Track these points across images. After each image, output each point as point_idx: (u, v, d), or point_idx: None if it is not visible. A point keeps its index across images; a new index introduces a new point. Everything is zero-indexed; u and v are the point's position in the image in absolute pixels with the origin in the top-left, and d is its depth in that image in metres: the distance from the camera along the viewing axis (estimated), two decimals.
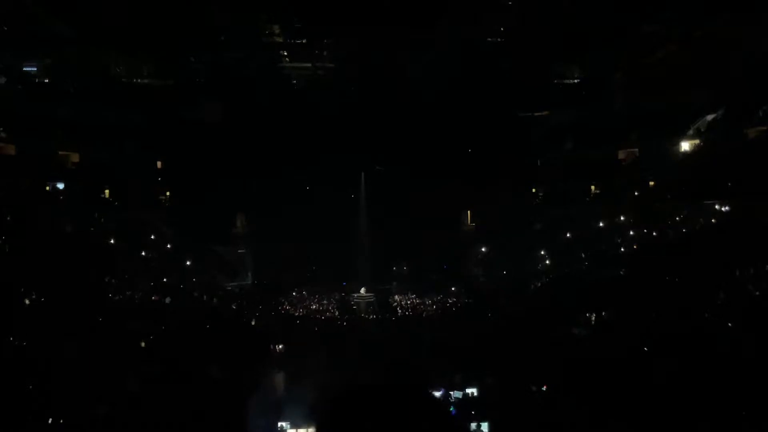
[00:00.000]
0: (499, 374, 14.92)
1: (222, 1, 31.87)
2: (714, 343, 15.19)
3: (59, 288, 24.48)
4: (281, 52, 39.09)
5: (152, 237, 41.96)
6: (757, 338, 14.16)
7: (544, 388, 13.54)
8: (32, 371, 13.10)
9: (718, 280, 20.74)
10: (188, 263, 42.24)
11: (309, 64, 40.64)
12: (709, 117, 36.38)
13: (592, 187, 44.89)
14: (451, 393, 13.84)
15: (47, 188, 39.28)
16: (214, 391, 13.25)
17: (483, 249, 50.13)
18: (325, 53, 39.66)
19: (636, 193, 39.51)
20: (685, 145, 37.74)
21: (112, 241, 36.61)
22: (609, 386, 12.82)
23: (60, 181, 40.18)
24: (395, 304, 41.69)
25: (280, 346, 20.31)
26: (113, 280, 29.68)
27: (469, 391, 13.90)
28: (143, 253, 38.25)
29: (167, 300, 29.49)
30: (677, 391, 12.01)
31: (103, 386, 12.58)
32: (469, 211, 55.28)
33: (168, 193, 47.54)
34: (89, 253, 33.62)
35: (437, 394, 13.79)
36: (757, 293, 19.22)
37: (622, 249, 33.92)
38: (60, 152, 40.75)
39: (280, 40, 37.46)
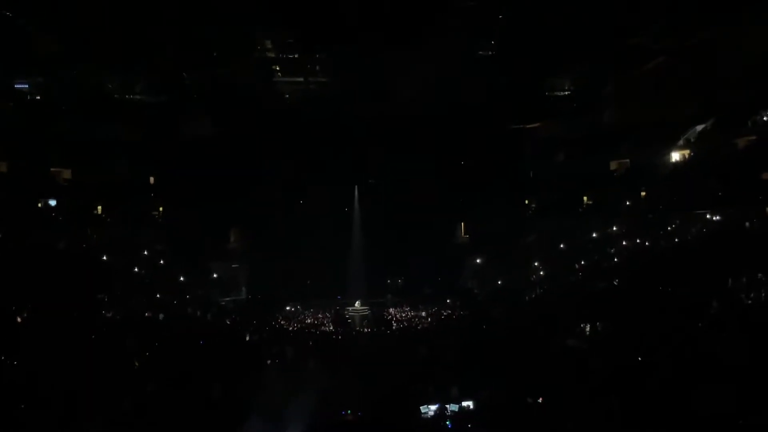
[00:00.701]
0: (495, 387, 14.88)
1: (214, 16, 31.93)
2: (709, 353, 15.22)
3: (52, 305, 24.33)
4: (273, 66, 39.20)
5: (145, 253, 41.80)
6: (751, 347, 14.20)
7: (541, 400, 13.51)
8: (25, 388, 12.99)
9: (711, 290, 20.81)
10: (182, 279, 42.10)
11: (301, 79, 40.77)
12: (699, 127, 36.70)
13: (585, 198, 45.09)
14: (447, 406, 13.80)
15: (39, 205, 39.16)
16: (208, 408, 13.17)
17: (477, 261, 50.18)
18: (317, 68, 39.80)
19: (628, 204, 39.71)
20: (676, 156, 38.05)
21: (104, 258, 36.44)
22: (605, 397, 12.81)
23: (52, 197, 40.09)
24: (390, 317, 41.57)
25: (275, 361, 20.20)
26: (106, 297, 29.49)
27: (465, 404, 13.87)
28: (136, 270, 38.07)
29: (161, 316, 29.31)
30: (673, 401, 12.02)
31: (97, 404, 12.48)
32: (462, 223, 55.42)
33: (161, 209, 47.44)
34: (82, 269, 33.48)
35: (433, 407, 13.76)
36: (750, 302, 19.28)
37: (616, 259, 33.99)
38: (52, 169, 40.65)
39: (273, 55, 37.59)
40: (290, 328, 35.37)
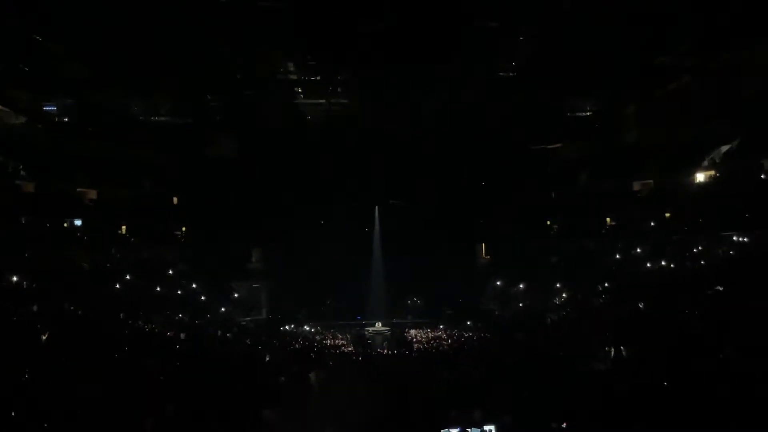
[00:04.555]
0: (518, 410, 14.60)
1: (238, 39, 32.47)
2: (735, 380, 14.82)
3: (76, 324, 24.58)
4: (296, 88, 39.63)
5: (168, 272, 42.15)
6: None
7: (565, 425, 13.21)
8: (47, 407, 13.04)
9: (737, 313, 20.34)
10: (203, 298, 42.32)
11: (323, 101, 41.15)
12: (724, 148, 36.20)
13: (608, 220, 44.59)
14: (469, 430, 13.54)
15: (65, 225, 39.77)
16: (227, 428, 13.09)
17: (498, 283, 49.75)
18: (339, 89, 40.17)
19: (652, 225, 39.18)
20: (701, 177, 37.52)
21: (128, 277, 36.80)
22: (629, 422, 12.50)
23: (78, 217, 40.71)
24: (411, 338, 41.28)
25: (294, 382, 20.09)
26: (129, 316, 29.73)
27: (487, 428, 13.60)
28: (158, 289, 38.37)
29: (182, 336, 29.42)
30: (698, 427, 11.69)
31: (116, 423, 12.47)
32: (483, 245, 55.05)
33: (184, 229, 47.91)
34: (106, 288, 33.86)
35: (455, 431, 13.52)
36: None
37: (640, 282, 33.44)
38: (78, 189, 41.36)
39: (295, 77, 38.03)
40: (311, 349, 35.21)
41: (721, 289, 25.08)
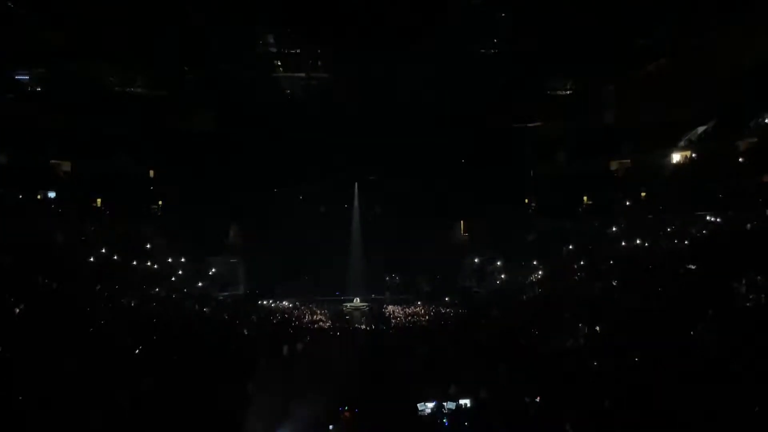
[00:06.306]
0: (493, 385, 14.85)
1: (216, 11, 31.86)
2: (708, 355, 15.20)
3: (50, 297, 24.29)
4: (275, 61, 39.09)
5: (144, 247, 41.73)
6: (751, 350, 14.17)
7: (538, 399, 13.47)
8: (20, 382, 12.94)
9: (710, 292, 20.78)
10: (180, 273, 42.08)
11: (303, 74, 40.66)
12: (701, 129, 36.66)
13: (585, 198, 45.06)
14: (445, 404, 13.75)
15: (39, 197, 39.10)
16: (205, 404, 13.11)
17: (476, 260, 50.18)
18: (319, 63, 39.70)
19: (628, 204, 39.67)
20: (677, 157, 38.02)
21: (103, 251, 36.39)
22: (603, 398, 12.78)
23: (52, 190, 40.03)
24: (389, 314, 41.58)
25: (272, 357, 20.15)
26: (105, 291, 29.46)
27: (462, 402, 13.82)
28: (134, 263, 38.02)
29: (159, 309, 29.28)
30: (672, 404, 11.99)
31: (92, 399, 12.42)
32: (462, 222, 55.38)
33: (160, 203, 47.39)
34: (81, 262, 33.45)
35: (430, 405, 13.72)
36: (749, 304, 19.24)
37: (615, 261, 33.94)
38: (52, 161, 40.60)
39: (274, 50, 37.48)
40: (289, 323, 35.29)
41: (693, 267, 25.56)
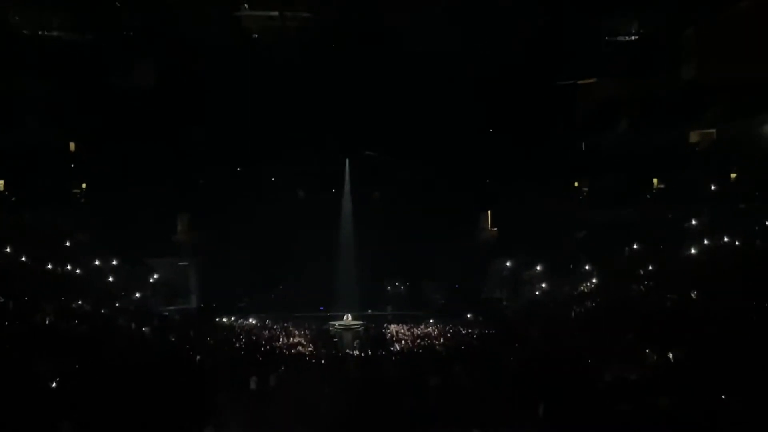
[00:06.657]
0: (529, 429, 14.90)
1: None
2: None
3: None
4: None
5: (62, 244, 41.71)
6: None
7: None
8: None
9: None
10: (111, 280, 42.06)
11: (276, 13, 40.57)
12: None
13: (655, 181, 45.01)
14: None
15: None
16: None
17: (507, 264, 50.19)
18: None
19: (713, 189, 39.62)
20: None
21: (8, 249, 36.40)
22: None
23: None
24: (391, 335, 41.69)
25: (233, 393, 20.24)
26: (10, 301, 29.48)
27: None
28: (50, 266, 38.01)
29: (82, 329, 29.32)
30: None
31: None
32: (489, 213, 55.33)
33: (84, 186, 47.33)
34: None
35: None
36: None
37: (695, 265, 33.97)
38: None
39: None
40: (258, 348, 35.42)
41: None
